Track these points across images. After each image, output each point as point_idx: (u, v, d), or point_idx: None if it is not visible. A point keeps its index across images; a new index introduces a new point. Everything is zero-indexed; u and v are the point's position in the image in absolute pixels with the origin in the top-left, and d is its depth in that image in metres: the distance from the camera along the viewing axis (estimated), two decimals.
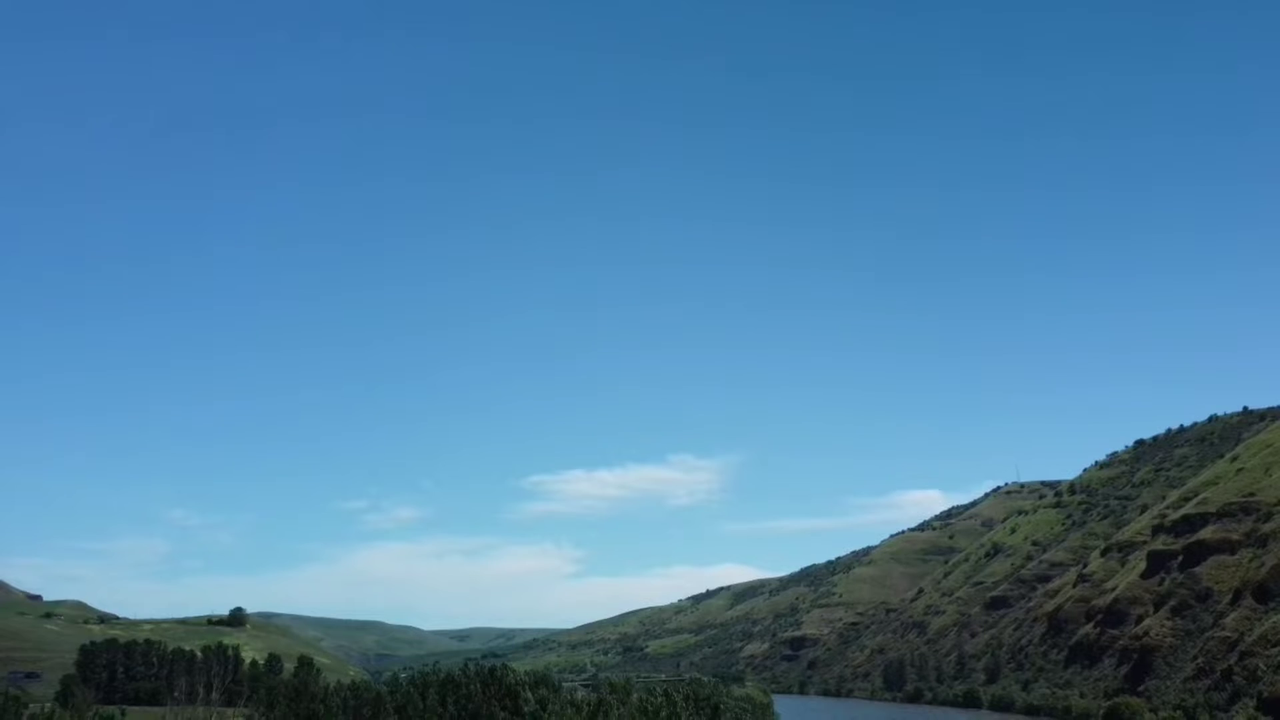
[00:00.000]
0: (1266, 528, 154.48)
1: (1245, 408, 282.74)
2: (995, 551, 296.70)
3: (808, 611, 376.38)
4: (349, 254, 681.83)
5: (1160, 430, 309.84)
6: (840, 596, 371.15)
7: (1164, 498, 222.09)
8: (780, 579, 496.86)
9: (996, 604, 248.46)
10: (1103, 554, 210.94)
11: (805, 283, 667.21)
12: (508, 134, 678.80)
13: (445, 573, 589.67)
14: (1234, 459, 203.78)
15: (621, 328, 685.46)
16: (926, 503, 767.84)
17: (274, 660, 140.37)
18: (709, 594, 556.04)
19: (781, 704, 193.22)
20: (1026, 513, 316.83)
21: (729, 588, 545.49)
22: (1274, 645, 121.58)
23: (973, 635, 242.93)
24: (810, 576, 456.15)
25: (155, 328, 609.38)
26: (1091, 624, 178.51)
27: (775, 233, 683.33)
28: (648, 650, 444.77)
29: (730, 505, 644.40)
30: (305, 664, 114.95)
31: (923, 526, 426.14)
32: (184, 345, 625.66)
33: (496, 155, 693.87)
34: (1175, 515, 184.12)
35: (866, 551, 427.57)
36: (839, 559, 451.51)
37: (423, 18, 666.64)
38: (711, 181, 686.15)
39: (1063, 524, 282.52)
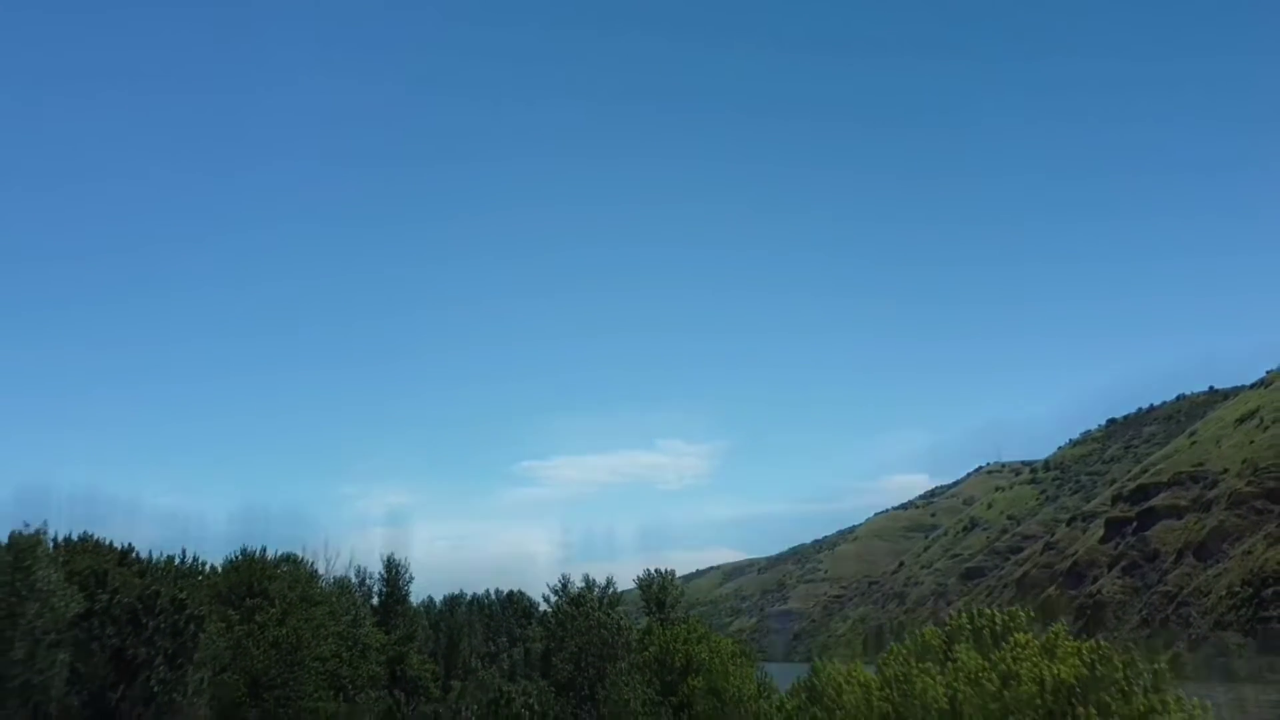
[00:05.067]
0: (1211, 494, 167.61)
1: (1211, 387, 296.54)
2: (973, 526, 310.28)
3: (794, 587, 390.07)
4: (334, 235, 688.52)
5: (1132, 409, 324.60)
6: (825, 572, 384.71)
7: (1130, 472, 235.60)
8: (768, 558, 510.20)
9: (972, 574, 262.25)
10: (1068, 524, 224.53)
11: (793, 269, 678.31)
12: (491, 113, 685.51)
13: (437, 557, 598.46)
14: (1192, 434, 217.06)
15: (609, 313, 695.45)
16: (913, 486, 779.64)
17: None
18: (699, 573, 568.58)
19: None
20: (1003, 489, 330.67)
21: (718, 567, 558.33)
22: (1205, 595, 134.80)
23: (949, 603, 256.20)
24: (797, 555, 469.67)
25: (140, 313, 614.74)
26: (1054, 586, 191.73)
27: (765, 217, 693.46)
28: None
29: (719, 490, 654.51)
30: None
31: (906, 506, 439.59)
32: (169, 332, 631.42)
33: (479, 135, 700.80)
34: (1132, 485, 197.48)
35: (852, 530, 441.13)
36: (825, 538, 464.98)
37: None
38: (698, 165, 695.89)
39: (1037, 499, 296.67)
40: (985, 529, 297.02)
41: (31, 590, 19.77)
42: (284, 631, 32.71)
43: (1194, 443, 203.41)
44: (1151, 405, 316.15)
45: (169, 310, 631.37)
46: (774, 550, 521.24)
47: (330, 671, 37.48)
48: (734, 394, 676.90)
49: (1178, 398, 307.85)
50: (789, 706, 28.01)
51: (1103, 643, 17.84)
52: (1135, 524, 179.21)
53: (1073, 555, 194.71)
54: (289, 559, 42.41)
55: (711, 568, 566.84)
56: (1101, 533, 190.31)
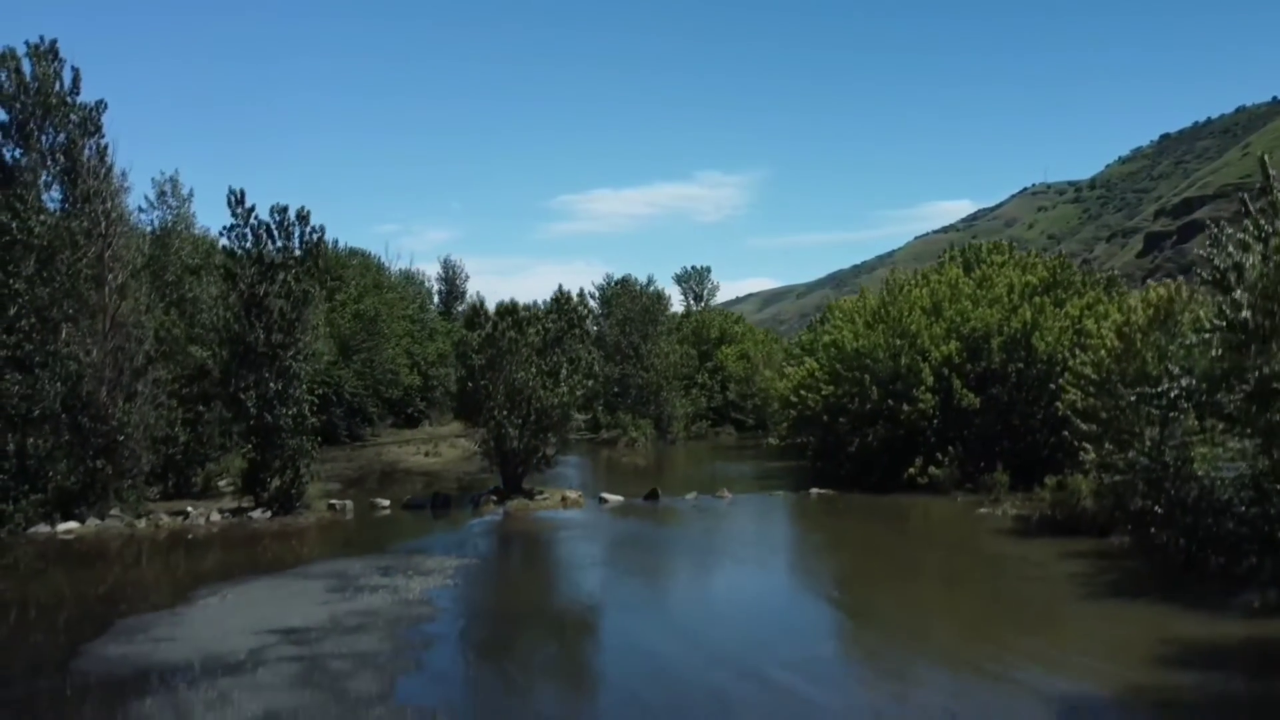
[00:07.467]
0: (1255, 205, 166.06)
1: (1274, 98, 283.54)
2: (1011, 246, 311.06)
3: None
4: None
5: (1187, 124, 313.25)
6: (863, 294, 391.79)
7: (1176, 188, 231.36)
8: (807, 284, 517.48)
9: None
10: (1108, 240, 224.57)
11: None
12: None
13: (482, 290, 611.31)
14: (1245, 146, 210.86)
15: (644, 44, 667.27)
16: (955, 211, 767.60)
17: None
18: (738, 300, 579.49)
19: None
20: (1046, 209, 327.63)
21: (757, 294, 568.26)
22: None
23: None
24: (835, 280, 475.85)
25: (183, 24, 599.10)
26: None
27: None
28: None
29: (758, 220, 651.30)
30: None
31: (946, 229, 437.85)
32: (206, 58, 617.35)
33: None
34: (1176, 200, 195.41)
35: (890, 255, 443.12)
36: (864, 262, 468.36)
37: None
38: None
39: (1079, 218, 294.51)
40: (1024, 248, 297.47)
41: (178, 218, 24.48)
42: (363, 308, 37.60)
43: (1246, 155, 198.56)
44: (1209, 119, 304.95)
45: (217, 27, 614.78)
46: (813, 278, 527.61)
47: (404, 349, 42.91)
48: (772, 122, 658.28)
49: (1237, 110, 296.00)
50: (807, 338, 32.00)
51: (1062, 254, 20.75)
52: (1175, 238, 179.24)
53: (1109, 271, 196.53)
54: (356, 253, 46.79)
55: (750, 294, 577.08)
56: (1140, 247, 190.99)
